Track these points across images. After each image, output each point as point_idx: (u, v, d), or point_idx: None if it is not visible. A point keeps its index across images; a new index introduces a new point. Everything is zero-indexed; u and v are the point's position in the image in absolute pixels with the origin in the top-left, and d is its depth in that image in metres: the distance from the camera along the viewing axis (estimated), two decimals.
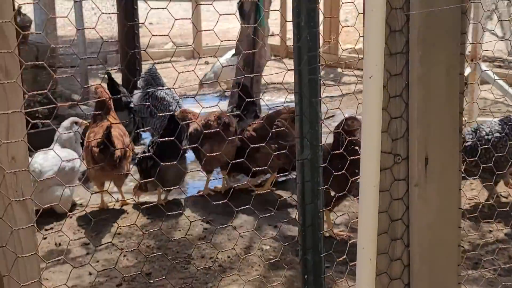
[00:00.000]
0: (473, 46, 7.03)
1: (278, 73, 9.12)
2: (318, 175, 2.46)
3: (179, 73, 3.08)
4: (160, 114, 6.93)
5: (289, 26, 13.63)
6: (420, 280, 2.70)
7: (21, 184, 1.91)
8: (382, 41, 2.20)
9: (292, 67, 2.49)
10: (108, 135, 5.45)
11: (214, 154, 5.44)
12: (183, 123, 6.06)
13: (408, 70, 2.57)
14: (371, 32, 2.13)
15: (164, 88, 7.37)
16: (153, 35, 2.78)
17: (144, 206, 5.29)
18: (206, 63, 13.29)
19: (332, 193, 4.74)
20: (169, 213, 5.50)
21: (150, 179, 5.70)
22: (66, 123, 6.07)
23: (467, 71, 7.28)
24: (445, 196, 2.68)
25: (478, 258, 4.78)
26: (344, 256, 2.45)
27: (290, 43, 14.35)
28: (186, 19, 2.70)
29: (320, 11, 2.29)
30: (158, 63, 13.38)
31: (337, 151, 3.52)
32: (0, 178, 1.87)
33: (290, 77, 7.88)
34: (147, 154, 5.81)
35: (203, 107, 3.68)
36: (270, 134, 5.50)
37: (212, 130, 5.69)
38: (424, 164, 2.62)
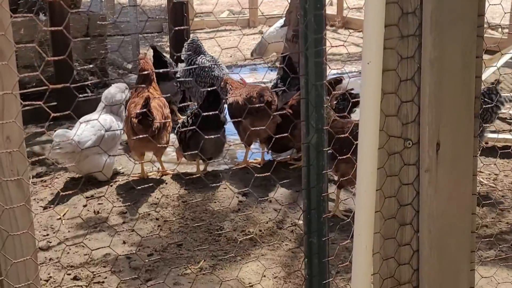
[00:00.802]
0: None
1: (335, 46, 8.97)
2: (322, 159, 2.44)
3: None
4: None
5: None
6: (429, 266, 2.66)
7: (16, 163, 1.96)
8: (381, 26, 2.14)
9: (348, 38, 2.46)
10: (146, 106, 5.51)
11: (254, 129, 5.45)
12: (222, 91, 6.11)
13: (421, 53, 2.51)
14: (370, 18, 2.08)
15: (206, 55, 7.41)
16: None
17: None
18: (260, 32, 13.25)
19: None
20: (204, 182, 5.57)
21: (189, 150, 5.78)
22: (121, 85, 6.17)
23: None
24: (457, 182, 2.62)
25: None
26: (348, 240, 2.43)
27: (347, 12, 14.16)
28: None
29: None
30: (212, 31, 13.43)
31: None
32: None
33: (343, 49, 7.79)
34: (186, 124, 5.86)
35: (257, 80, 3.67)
36: None
37: (254, 106, 5.71)
38: (436, 150, 2.56)
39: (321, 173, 2.45)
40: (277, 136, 5.48)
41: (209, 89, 6.11)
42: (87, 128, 5.65)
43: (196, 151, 5.70)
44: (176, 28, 7.77)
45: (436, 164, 2.58)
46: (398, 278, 2.67)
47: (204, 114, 5.71)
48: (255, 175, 4.89)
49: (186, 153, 5.91)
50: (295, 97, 6.09)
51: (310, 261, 2.54)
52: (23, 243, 2.02)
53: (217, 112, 5.75)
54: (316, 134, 2.40)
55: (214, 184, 5.76)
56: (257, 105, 5.71)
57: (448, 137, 2.57)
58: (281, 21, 10.28)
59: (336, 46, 6.37)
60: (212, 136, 5.54)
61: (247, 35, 11.45)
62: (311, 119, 2.40)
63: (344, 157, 3.19)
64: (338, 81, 5.81)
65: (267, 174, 3.63)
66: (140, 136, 5.47)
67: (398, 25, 2.45)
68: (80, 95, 7.72)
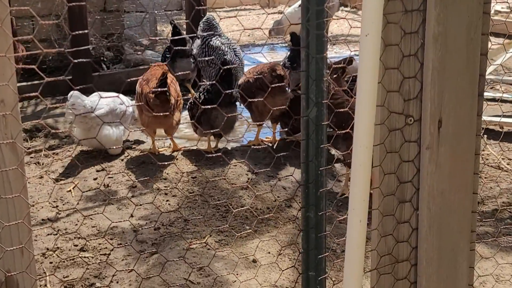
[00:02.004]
0: None
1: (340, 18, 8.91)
2: (321, 133, 2.42)
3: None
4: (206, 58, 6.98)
5: None
6: (428, 244, 2.64)
7: (10, 127, 1.97)
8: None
9: None
10: (164, 81, 5.50)
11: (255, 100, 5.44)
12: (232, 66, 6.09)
13: (425, 28, 2.47)
14: None
15: (222, 37, 7.36)
16: None
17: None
18: (280, 12, 13.19)
19: None
20: (215, 158, 5.57)
21: (199, 125, 5.77)
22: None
23: None
24: (458, 160, 2.59)
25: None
26: (345, 216, 2.42)
27: None
28: None
29: None
30: (231, 10, 13.39)
31: None
32: None
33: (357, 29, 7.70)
34: (197, 100, 5.86)
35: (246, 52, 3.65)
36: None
37: (266, 81, 5.69)
38: (437, 127, 2.54)
39: (319, 147, 2.43)
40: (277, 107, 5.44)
41: (220, 64, 6.08)
42: (101, 99, 5.70)
43: (206, 126, 5.70)
44: (197, 8, 7.74)
45: (437, 141, 2.55)
46: (396, 255, 2.65)
47: (215, 90, 5.72)
48: (251, 147, 4.86)
49: (197, 128, 5.90)
50: None
51: (306, 235, 2.53)
52: (16, 206, 2.03)
53: (228, 87, 5.74)
54: (315, 108, 2.38)
55: (224, 161, 5.76)
56: (269, 80, 5.70)
57: (451, 114, 2.54)
58: (300, 1, 10.21)
59: (336, 19, 6.31)
60: (222, 112, 5.53)
61: (267, 14, 11.36)
62: (311, 93, 2.38)
63: None
64: (349, 61, 5.75)
65: (264, 146, 3.59)
66: (157, 112, 5.45)
67: None
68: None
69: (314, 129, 2.42)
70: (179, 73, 6.66)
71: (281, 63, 6.71)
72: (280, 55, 10.00)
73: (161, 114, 5.45)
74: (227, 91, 5.63)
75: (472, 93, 2.58)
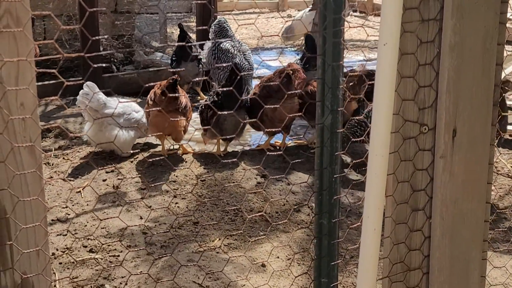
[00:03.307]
0: None
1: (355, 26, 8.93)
2: (336, 140, 2.43)
3: None
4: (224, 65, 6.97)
5: None
6: (440, 252, 2.64)
7: (28, 130, 1.98)
8: (399, 7, 2.12)
9: (377, 26, 2.43)
10: (173, 83, 5.51)
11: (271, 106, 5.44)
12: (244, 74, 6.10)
13: (441, 38, 2.48)
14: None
15: (233, 40, 7.36)
16: None
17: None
18: (289, 16, 13.20)
19: None
20: (224, 161, 5.58)
21: (208, 128, 5.78)
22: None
23: None
24: (472, 170, 2.60)
25: None
26: (359, 223, 2.43)
27: None
28: None
29: None
30: (241, 13, 13.41)
31: None
32: (9, 124, 1.94)
33: (371, 36, 7.67)
34: (207, 102, 5.87)
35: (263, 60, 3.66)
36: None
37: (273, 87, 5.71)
38: (452, 136, 2.54)
39: (334, 155, 2.44)
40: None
41: (230, 67, 6.09)
42: (117, 103, 5.74)
43: (216, 129, 5.71)
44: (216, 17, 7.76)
45: (451, 150, 2.56)
46: (408, 263, 2.66)
47: (226, 93, 5.73)
48: (267, 153, 4.88)
49: (206, 131, 5.91)
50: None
51: (319, 242, 2.54)
52: (33, 209, 2.04)
53: (237, 91, 5.74)
54: (330, 115, 2.39)
55: (233, 165, 5.76)
56: (276, 85, 5.71)
57: (465, 124, 2.54)
58: (310, 7, 10.25)
59: (355, 27, 6.32)
60: (231, 115, 5.53)
61: (276, 18, 11.38)
62: (326, 100, 2.39)
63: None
64: (373, 74, 5.72)
65: (280, 153, 3.60)
66: (165, 110, 5.45)
67: (419, 8, 2.42)
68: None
69: (329, 136, 2.42)
70: (195, 79, 6.68)
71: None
72: (289, 59, 10.01)
73: (169, 114, 5.45)
74: (235, 95, 5.63)
75: (487, 103, 2.58)
